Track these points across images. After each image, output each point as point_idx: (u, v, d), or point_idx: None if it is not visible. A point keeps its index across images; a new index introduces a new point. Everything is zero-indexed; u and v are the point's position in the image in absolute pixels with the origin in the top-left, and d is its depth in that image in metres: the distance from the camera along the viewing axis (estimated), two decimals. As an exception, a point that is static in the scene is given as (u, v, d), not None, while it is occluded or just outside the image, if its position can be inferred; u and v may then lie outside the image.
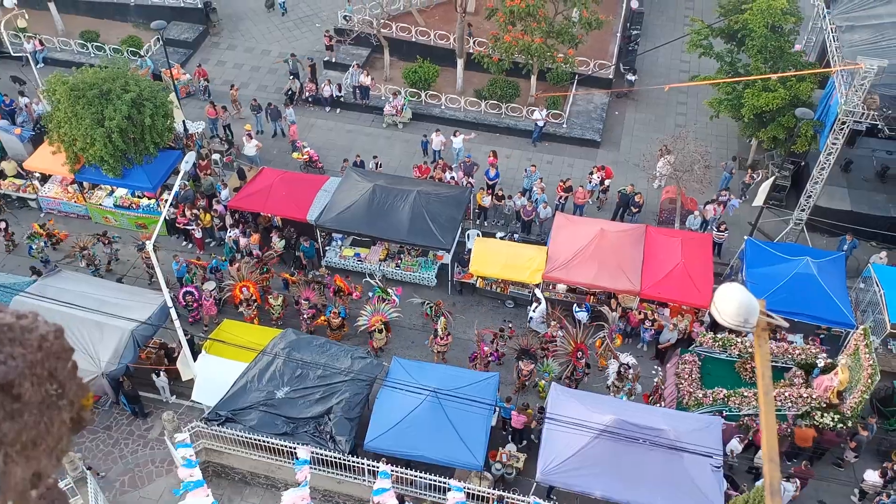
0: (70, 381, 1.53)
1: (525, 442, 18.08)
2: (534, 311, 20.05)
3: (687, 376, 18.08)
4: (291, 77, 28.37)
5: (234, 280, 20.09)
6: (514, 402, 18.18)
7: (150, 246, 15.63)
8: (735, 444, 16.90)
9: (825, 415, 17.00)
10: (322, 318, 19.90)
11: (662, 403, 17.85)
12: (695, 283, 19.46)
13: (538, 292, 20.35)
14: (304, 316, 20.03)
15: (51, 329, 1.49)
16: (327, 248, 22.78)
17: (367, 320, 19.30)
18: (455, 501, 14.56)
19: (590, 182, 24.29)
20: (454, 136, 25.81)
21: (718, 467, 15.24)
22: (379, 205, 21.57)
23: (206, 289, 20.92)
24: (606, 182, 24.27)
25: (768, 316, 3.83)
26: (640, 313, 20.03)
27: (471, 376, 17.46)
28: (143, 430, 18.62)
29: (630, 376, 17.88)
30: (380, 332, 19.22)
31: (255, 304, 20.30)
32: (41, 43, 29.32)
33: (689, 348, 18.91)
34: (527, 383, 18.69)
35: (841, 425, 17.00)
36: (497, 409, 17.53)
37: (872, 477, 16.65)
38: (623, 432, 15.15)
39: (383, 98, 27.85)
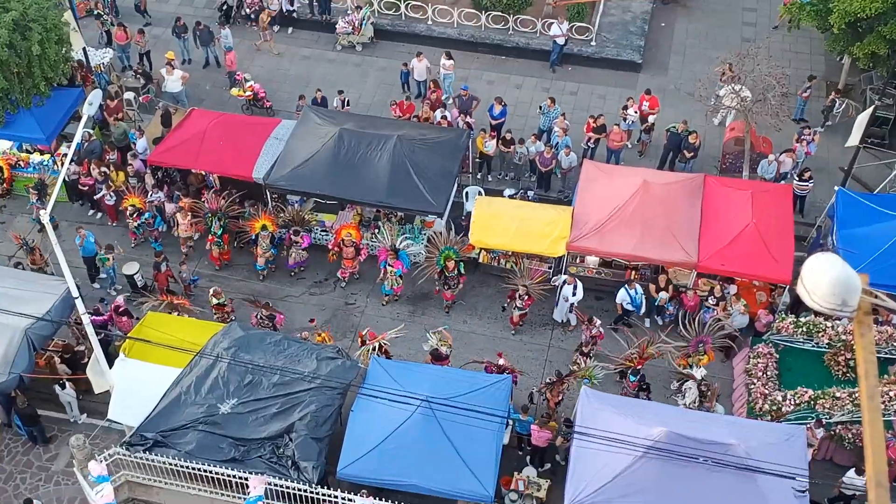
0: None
1: (548, 464, 18.25)
2: (573, 294, 20.07)
3: (761, 374, 18.21)
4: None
5: (157, 293, 20.08)
6: (534, 412, 18.32)
7: (45, 217, 15.52)
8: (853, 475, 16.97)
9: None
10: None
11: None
12: (770, 250, 19.48)
13: (562, 280, 20.32)
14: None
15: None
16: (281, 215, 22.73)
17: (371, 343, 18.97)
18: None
19: (625, 119, 24.21)
20: (444, 59, 25.61)
21: (803, 492, 15.43)
22: (348, 156, 21.45)
23: (126, 272, 20.84)
24: (650, 118, 24.20)
25: (873, 296, 3.80)
26: (703, 290, 19.99)
27: (474, 379, 17.55)
28: (44, 461, 18.69)
29: (709, 393, 17.84)
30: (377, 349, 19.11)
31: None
32: None
33: (763, 337, 19.02)
34: (559, 405, 18.68)
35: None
36: (510, 422, 17.64)
37: None
38: (677, 449, 15.28)
39: (349, 12, 27.60)
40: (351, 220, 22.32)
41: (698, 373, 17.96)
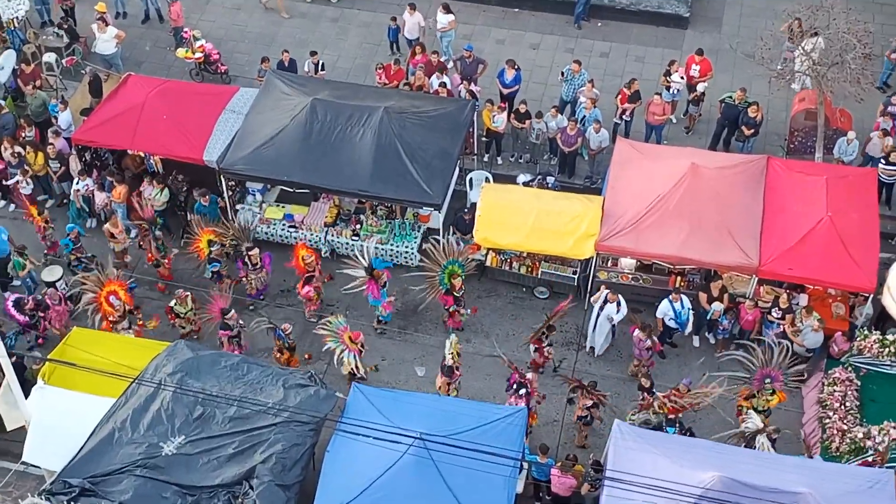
0: None
1: (573, 518, 18.29)
2: (616, 313, 20.07)
3: (838, 405, 18.21)
4: None
5: (94, 284, 19.97)
6: (555, 453, 18.32)
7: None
8: None
9: None
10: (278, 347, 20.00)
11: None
12: (850, 251, 19.46)
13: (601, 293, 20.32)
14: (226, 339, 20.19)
15: None
16: (239, 206, 22.73)
17: (339, 339, 19.21)
18: None
19: (668, 87, 24.22)
20: (440, 13, 25.62)
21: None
22: (322, 133, 21.49)
23: (46, 279, 20.83)
24: (700, 86, 24.21)
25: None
26: (765, 301, 19.99)
27: (481, 412, 17.58)
28: (-57, 514, 18.74)
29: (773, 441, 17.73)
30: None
31: (134, 320, 20.33)
32: None
33: (841, 360, 19.05)
34: (582, 422, 18.77)
35: None
36: (525, 465, 17.67)
37: None
38: (733, 499, 15.28)
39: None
40: (326, 214, 22.34)
41: (751, 421, 17.76)
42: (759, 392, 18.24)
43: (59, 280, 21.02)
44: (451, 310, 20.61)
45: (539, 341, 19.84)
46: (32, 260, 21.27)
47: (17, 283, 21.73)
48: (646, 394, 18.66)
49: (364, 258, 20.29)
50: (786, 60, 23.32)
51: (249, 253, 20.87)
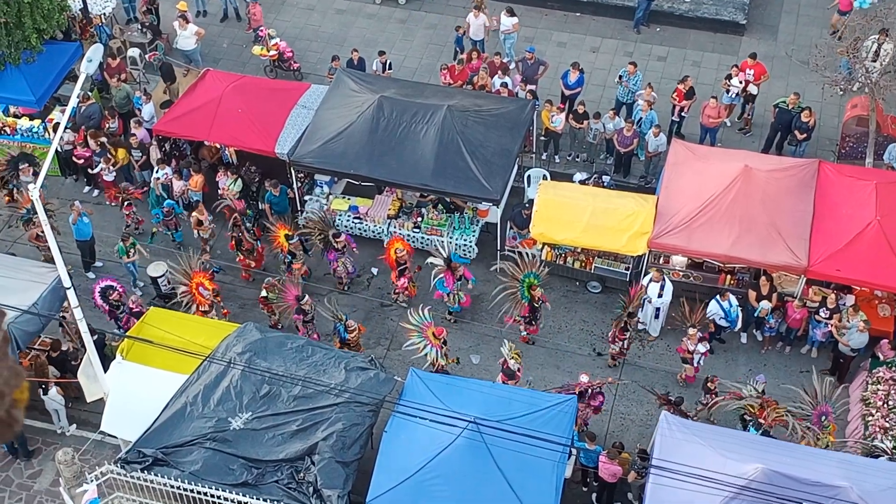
0: None
1: None
2: (658, 296, 20.01)
3: (881, 403, 18.04)
4: None
5: (186, 273, 20.24)
6: (603, 441, 18.35)
7: (35, 193, 15.91)
8: None
9: None
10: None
11: None
12: (897, 253, 19.30)
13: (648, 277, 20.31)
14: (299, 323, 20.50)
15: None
16: (307, 197, 23.00)
17: (423, 335, 19.37)
18: None
19: (728, 90, 24.06)
20: (504, 16, 25.64)
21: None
22: (388, 129, 21.64)
23: (150, 273, 21.15)
24: (753, 88, 24.01)
25: None
26: (813, 301, 19.79)
27: (534, 399, 17.68)
28: (25, 478, 19.15)
29: None
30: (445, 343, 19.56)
31: (215, 305, 20.64)
32: None
33: (888, 360, 18.85)
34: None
35: None
36: (575, 451, 17.74)
37: None
38: (775, 491, 15.21)
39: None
40: (390, 206, 22.51)
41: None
42: (821, 430, 17.72)
43: (161, 276, 21.28)
44: (527, 318, 20.44)
45: (622, 331, 19.67)
46: (141, 251, 21.50)
47: (98, 264, 22.19)
48: (712, 396, 18.45)
49: (444, 250, 20.49)
50: (848, 70, 23.12)
51: (336, 239, 21.04)
